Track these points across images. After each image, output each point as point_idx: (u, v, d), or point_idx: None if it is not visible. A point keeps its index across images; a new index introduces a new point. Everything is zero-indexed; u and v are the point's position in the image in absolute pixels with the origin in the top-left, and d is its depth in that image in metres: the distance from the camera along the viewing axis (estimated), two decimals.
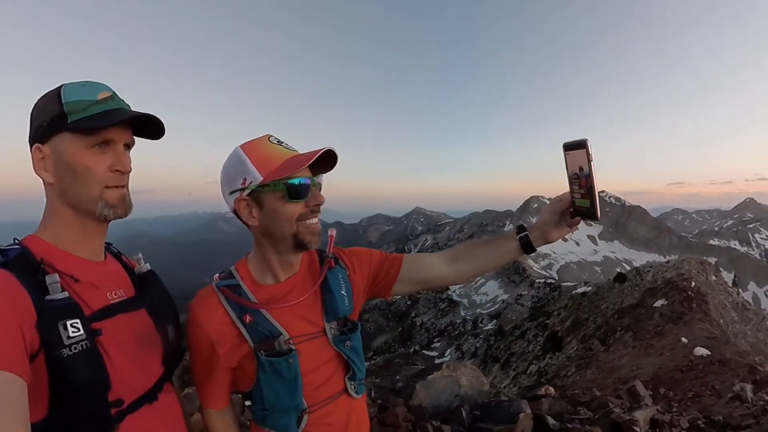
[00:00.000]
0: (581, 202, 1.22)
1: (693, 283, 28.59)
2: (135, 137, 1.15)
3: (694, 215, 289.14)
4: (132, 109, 1.11)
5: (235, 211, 1.23)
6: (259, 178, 1.16)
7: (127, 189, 1.13)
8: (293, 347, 1.24)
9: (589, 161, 1.14)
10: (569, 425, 4.38)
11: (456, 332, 77.46)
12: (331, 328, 1.32)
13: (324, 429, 1.31)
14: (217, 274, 1.34)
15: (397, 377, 7.89)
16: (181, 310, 1.32)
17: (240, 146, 1.21)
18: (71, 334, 0.93)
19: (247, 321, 1.22)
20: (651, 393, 8.62)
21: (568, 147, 1.20)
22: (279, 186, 1.16)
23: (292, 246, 1.24)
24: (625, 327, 24.79)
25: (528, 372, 33.53)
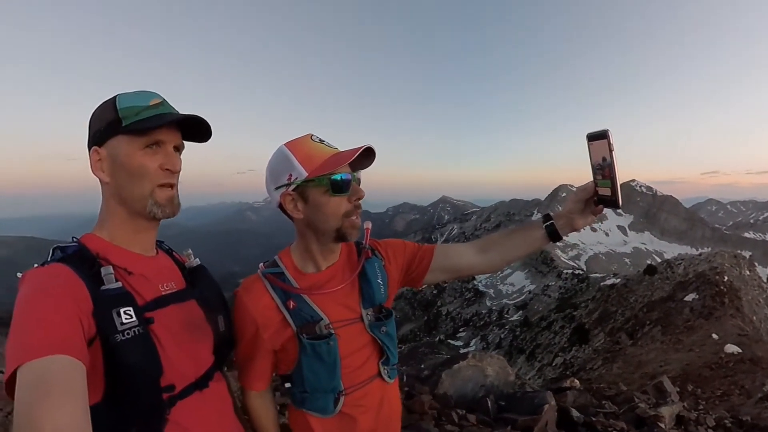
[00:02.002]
0: (604, 190, 1.26)
1: (726, 278, 27.94)
2: (184, 141, 1.23)
3: (728, 206, 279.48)
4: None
5: (280, 205, 1.32)
6: (304, 174, 1.25)
7: (176, 190, 1.20)
8: (333, 331, 1.33)
9: (611, 151, 1.17)
10: (593, 418, 4.39)
11: (481, 322, 76.81)
12: (367, 314, 1.42)
13: (358, 411, 1.40)
14: (261, 263, 1.44)
15: (422, 366, 7.98)
16: None
17: (285, 144, 1.31)
18: (124, 321, 1.00)
19: (291, 306, 1.32)
20: (678, 390, 8.48)
21: (591, 137, 1.24)
22: (323, 181, 1.25)
23: (333, 238, 1.33)
24: (654, 321, 24.34)
25: (553, 364, 33.15)
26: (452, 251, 1.54)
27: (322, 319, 1.33)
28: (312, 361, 1.33)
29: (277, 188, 1.31)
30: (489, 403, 4.40)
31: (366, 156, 1.33)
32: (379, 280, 1.44)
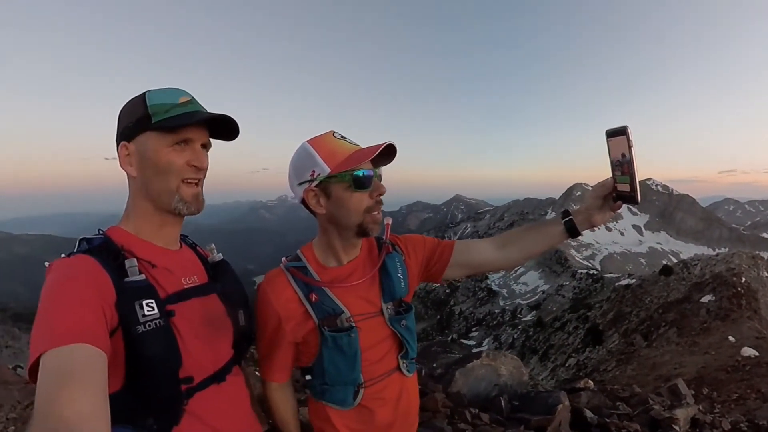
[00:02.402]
0: (623, 186, 1.27)
1: (743, 279, 27.46)
2: (211, 139, 1.25)
3: (746, 206, 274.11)
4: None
5: (303, 201, 1.35)
6: (327, 170, 1.28)
7: (201, 188, 1.23)
8: (354, 324, 1.36)
9: (630, 147, 1.18)
10: (607, 420, 4.36)
11: (494, 322, 76.41)
12: (387, 308, 1.44)
13: (377, 403, 1.43)
14: (284, 257, 1.48)
15: (435, 364, 8.00)
16: None
17: (308, 141, 1.33)
18: (146, 313, 1.02)
19: (313, 299, 1.35)
20: (693, 392, 8.36)
21: (610, 134, 1.25)
22: (345, 177, 1.28)
23: (355, 233, 1.36)
24: (669, 322, 24.08)
25: (567, 365, 32.97)
26: (472, 247, 1.56)
27: (343, 312, 1.36)
28: (333, 353, 1.35)
29: (300, 184, 1.34)
30: (502, 402, 4.39)
31: (387, 153, 1.35)
32: (399, 275, 1.46)
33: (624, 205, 1.36)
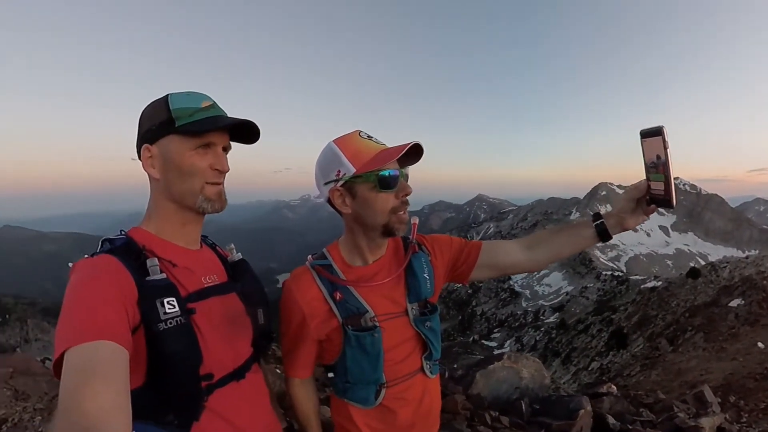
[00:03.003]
0: (657, 189, 1.23)
1: None
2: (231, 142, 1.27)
3: None
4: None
5: (329, 200, 1.36)
6: (353, 170, 1.28)
7: (223, 186, 1.24)
8: (377, 324, 1.35)
9: (665, 149, 1.14)
10: (630, 426, 4.31)
11: (516, 323, 75.65)
12: (412, 308, 1.43)
13: (399, 404, 1.43)
14: (310, 255, 1.48)
15: (456, 365, 7.98)
16: None
17: (333, 141, 1.33)
18: (167, 311, 1.03)
19: (338, 298, 1.35)
20: (720, 400, 8.15)
21: (645, 134, 1.21)
22: (371, 177, 1.28)
23: (381, 233, 1.35)
24: (696, 327, 23.43)
25: (589, 368, 32.38)
26: (499, 248, 1.55)
27: (367, 311, 1.36)
28: (356, 352, 1.36)
29: (326, 183, 1.35)
30: (523, 405, 4.37)
31: (414, 153, 1.34)
32: (425, 275, 1.45)
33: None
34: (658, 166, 1.20)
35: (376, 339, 1.35)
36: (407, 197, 1.35)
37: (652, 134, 1.18)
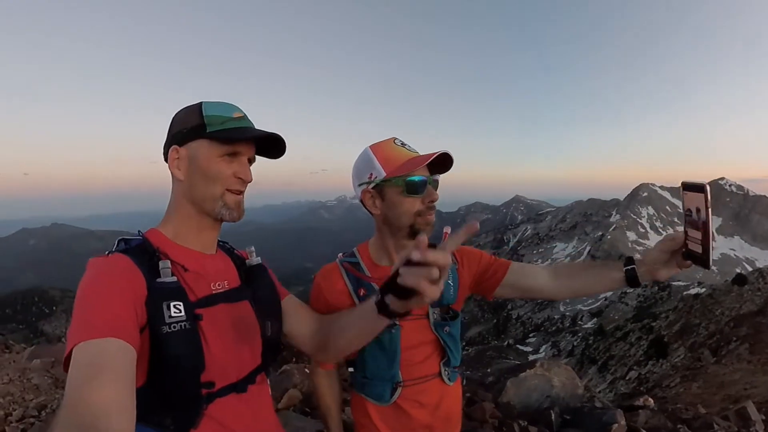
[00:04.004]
0: (694, 245, 1.20)
1: None
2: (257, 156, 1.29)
3: None
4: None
5: (361, 200, 1.44)
6: (383, 174, 1.36)
7: (243, 197, 1.25)
8: (397, 322, 1.39)
9: (707, 207, 1.11)
10: None
11: (553, 328, 74.84)
12: (433, 312, 1.47)
13: (414, 405, 1.46)
14: (340, 253, 1.58)
15: (489, 370, 7.93)
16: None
17: (369, 146, 1.42)
18: (173, 314, 1.04)
19: (361, 294, 1.43)
20: (764, 418, 7.75)
21: (687, 187, 1.17)
22: (399, 182, 1.34)
23: (407, 234, 1.40)
24: (741, 337, 22.64)
25: (627, 378, 31.72)
26: (527, 271, 1.56)
27: None
28: (374, 348, 1.42)
29: (359, 185, 1.43)
30: (553, 415, 4.24)
31: (444, 162, 1.39)
32: (449, 281, 1.49)
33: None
34: (697, 223, 1.16)
35: (394, 336, 1.41)
36: (434, 203, 1.39)
37: (695, 189, 1.14)
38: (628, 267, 1.38)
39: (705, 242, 1.14)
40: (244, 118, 1.22)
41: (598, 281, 1.45)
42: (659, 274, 1.34)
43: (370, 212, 1.45)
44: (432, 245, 0.93)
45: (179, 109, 1.22)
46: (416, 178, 1.35)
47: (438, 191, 1.43)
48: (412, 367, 1.45)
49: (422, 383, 1.47)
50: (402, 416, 1.46)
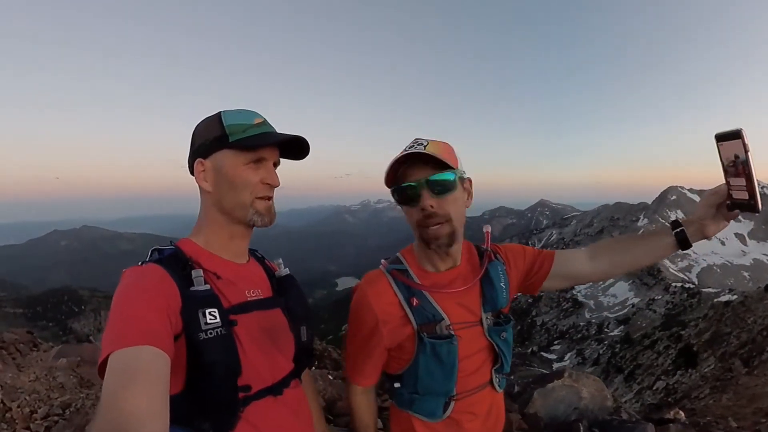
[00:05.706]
0: (739, 193, 1.16)
1: None
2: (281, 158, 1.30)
3: None
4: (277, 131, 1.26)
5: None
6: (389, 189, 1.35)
7: (273, 201, 1.26)
8: (453, 333, 1.32)
9: (746, 151, 1.07)
10: None
11: (578, 335, 73.40)
12: (487, 318, 1.40)
13: (466, 417, 1.40)
14: (383, 260, 1.47)
15: (512, 377, 7.89)
16: (308, 294, 1.51)
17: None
18: (208, 321, 1.06)
19: (414, 304, 1.33)
20: None
21: (721, 137, 1.13)
22: (393, 195, 1.35)
23: (427, 246, 1.33)
24: None
25: (654, 388, 31.07)
26: (571, 257, 1.51)
27: (443, 319, 1.33)
28: (430, 361, 1.32)
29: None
30: (581, 428, 4.12)
31: (431, 159, 1.26)
32: (502, 284, 1.43)
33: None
34: (737, 167, 1.12)
35: (453, 348, 1.32)
36: (433, 210, 1.27)
37: (730, 137, 1.11)
38: (677, 229, 1.33)
39: (750, 187, 1.11)
40: (265, 123, 1.23)
41: (648, 251, 1.39)
42: (708, 230, 1.30)
43: None
44: None
45: (198, 122, 1.24)
46: (395, 187, 1.33)
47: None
48: (466, 377, 1.38)
49: (475, 393, 1.41)
50: (453, 430, 1.41)
